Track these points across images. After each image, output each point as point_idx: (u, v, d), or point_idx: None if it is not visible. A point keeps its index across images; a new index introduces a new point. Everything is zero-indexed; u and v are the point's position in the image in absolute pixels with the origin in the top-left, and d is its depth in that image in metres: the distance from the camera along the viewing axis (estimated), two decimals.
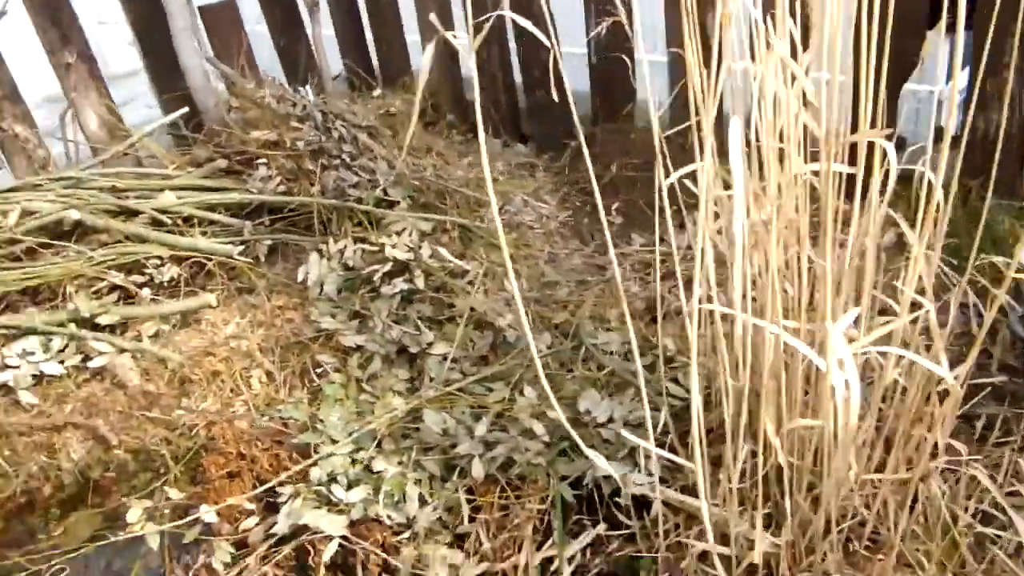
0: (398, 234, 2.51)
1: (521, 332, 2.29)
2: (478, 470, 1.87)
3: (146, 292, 2.57)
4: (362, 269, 2.46)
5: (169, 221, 2.55)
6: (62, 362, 2.44)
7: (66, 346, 2.46)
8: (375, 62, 3.88)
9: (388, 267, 2.29)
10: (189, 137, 3.01)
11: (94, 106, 3.10)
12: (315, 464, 1.94)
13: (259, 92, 2.83)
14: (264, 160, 2.64)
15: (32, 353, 2.44)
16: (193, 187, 2.74)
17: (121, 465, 2.35)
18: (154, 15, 3.16)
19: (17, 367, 2.43)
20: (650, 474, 1.79)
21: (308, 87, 2.86)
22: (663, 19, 2.87)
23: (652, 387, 2.06)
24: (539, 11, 3.07)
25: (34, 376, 2.43)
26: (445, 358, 2.21)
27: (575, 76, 3.44)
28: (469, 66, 1.09)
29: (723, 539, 1.60)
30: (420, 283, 2.29)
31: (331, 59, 3.80)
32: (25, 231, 2.53)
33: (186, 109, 2.93)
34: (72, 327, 2.45)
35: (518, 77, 3.43)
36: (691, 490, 1.78)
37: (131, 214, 2.62)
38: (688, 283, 2.47)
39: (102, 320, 2.46)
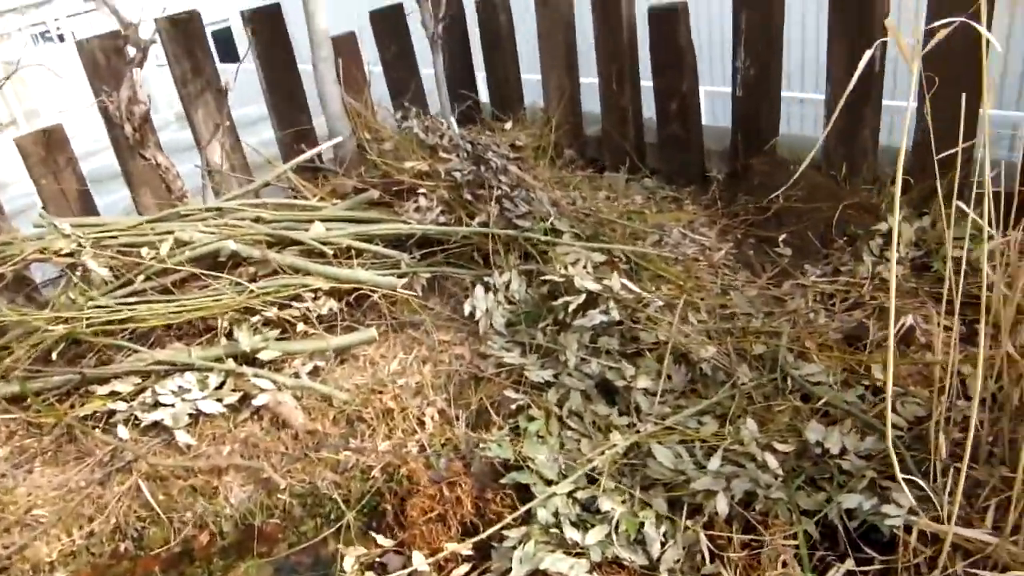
0: (572, 265, 2.47)
1: (721, 364, 2.23)
2: (723, 506, 1.79)
3: (300, 327, 2.51)
4: (540, 301, 2.42)
5: (331, 252, 2.51)
6: (220, 400, 2.37)
7: (223, 383, 2.40)
8: (482, 97, 3.92)
9: (582, 299, 2.24)
10: (323, 169, 3.00)
11: (220, 139, 3.10)
12: (539, 505, 1.85)
13: (405, 123, 2.82)
14: (423, 191, 2.62)
15: (188, 390, 2.37)
16: (342, 218, 2.73)
17: (287, 511, 2.27)
18: (282, 49, 3.19)
19: (172, 405, 2.36)
20: (900, 505, 1.73)
21: (452, 118, 2.86)
22: (822, 57, 2.88)
23: (866, 418, 2.00)
24: (686, 44, 3.09)
25: (190, 415, 2.36)
26: (647, 392, 2.15)
27: (710, 112, 3.49)
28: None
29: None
30: (616, 315, 2.23)
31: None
32: (177, 262, 2.49)
33: (340, 138, 2.92)
34: (230, 363, 2.38)
35: (646, 112, 3.46)
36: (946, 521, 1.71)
37: (285, 245, 2.58)
38: (882, 312, 2.45)
39: (263, 356, 2.40)
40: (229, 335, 2.46)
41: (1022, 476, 1.52)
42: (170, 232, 2.53)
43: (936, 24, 1.01)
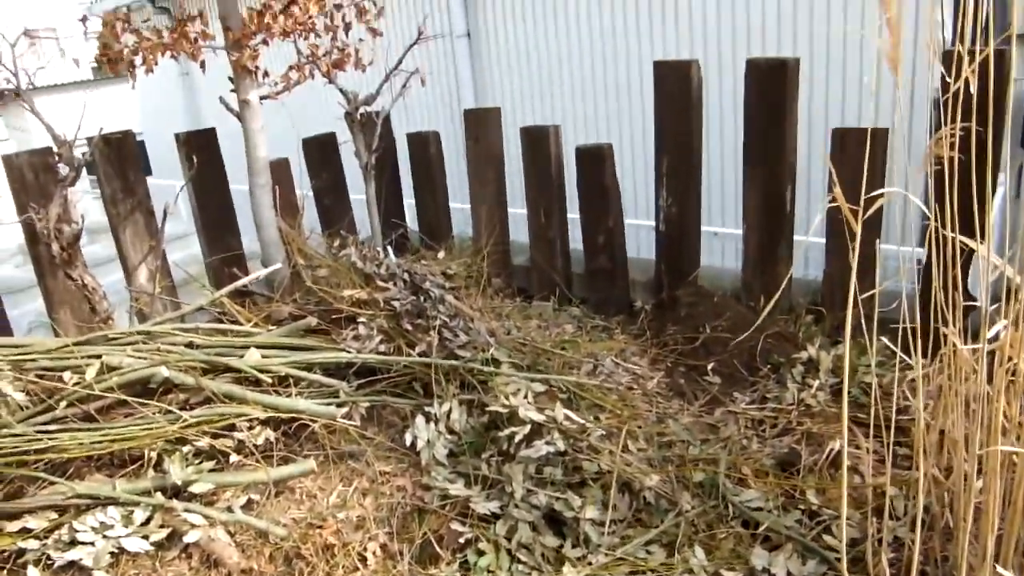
0: (513, 395, 2.56)
1: (664, 492, 2.34)
2: None
3: (234, 458, 2.48)
4: (482, 431, 2.49)
5: (269, 380, 2.52)
6: (146, 536, 2.29)
7: (150, 518, 2.32)
8: (411, 225, 4.09)
9: (527, 429, 2.33)
10: (254, 294, 3.03)
11: (147, 261, 3.11)
12: None
13: (343, 251, 2.93)
14: (362, 319, 2.69)
15: (111, 527, 2.28)
16: (278, 345, 2.75)
17: None
18: (216, 172, 3.27)
19: (91, 543, 2.26)
20: None
21: (390, 247, 2.98)
22: (738, 194, 3.20)
23: (806, 542, 2.14)
24: (611, 183, 3.37)
25: (111, 554, 2.26)
26: (594, 522, 2.22)
27: (634, 246, 3.76)
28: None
29: None
30: (560, 445, 2.33)
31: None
32: (105, 388, 2.45)
33: (279, 265, 2.98)
34: (159, 496, 2.32)
35: (572, 244, 3.69)
36: None
37: (220, 372, 2.58)
38: (810, 436, 2.63)
39: (195, 488, 2.35)
40: (157, 466, 2.40)
41: None
42: (97, 356, 2.49)
43: (874, 193, 1.23)
